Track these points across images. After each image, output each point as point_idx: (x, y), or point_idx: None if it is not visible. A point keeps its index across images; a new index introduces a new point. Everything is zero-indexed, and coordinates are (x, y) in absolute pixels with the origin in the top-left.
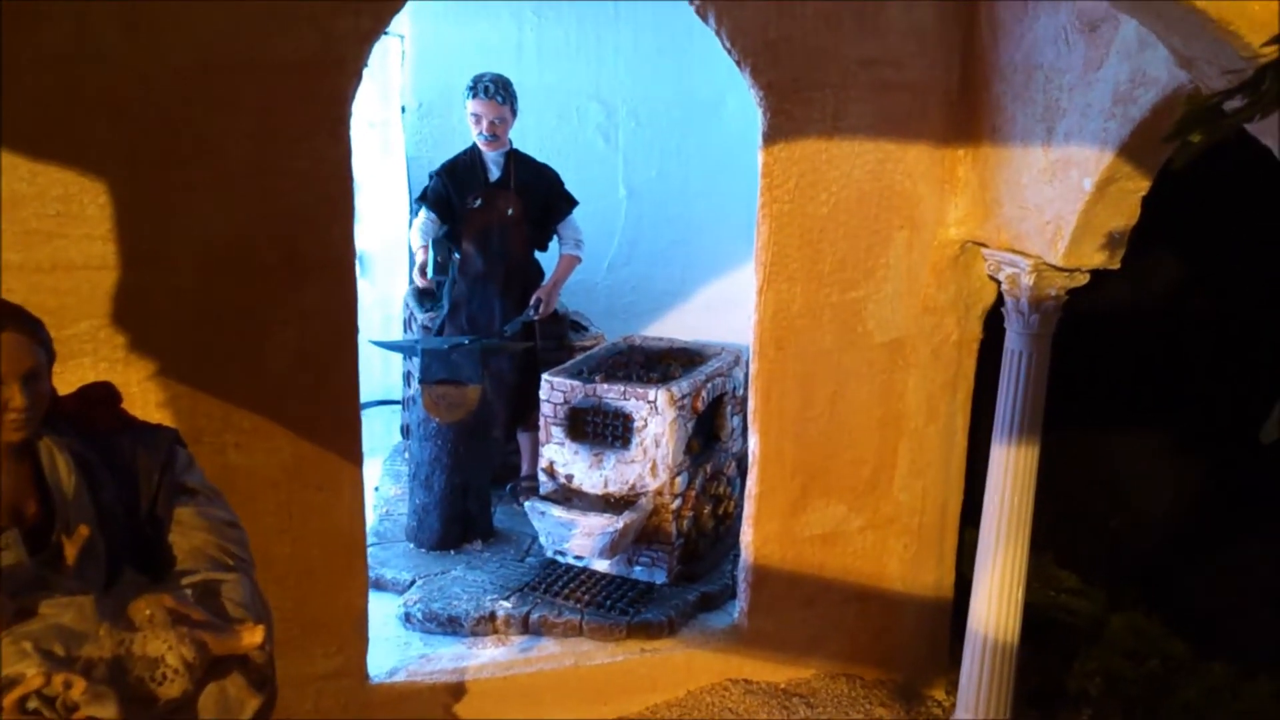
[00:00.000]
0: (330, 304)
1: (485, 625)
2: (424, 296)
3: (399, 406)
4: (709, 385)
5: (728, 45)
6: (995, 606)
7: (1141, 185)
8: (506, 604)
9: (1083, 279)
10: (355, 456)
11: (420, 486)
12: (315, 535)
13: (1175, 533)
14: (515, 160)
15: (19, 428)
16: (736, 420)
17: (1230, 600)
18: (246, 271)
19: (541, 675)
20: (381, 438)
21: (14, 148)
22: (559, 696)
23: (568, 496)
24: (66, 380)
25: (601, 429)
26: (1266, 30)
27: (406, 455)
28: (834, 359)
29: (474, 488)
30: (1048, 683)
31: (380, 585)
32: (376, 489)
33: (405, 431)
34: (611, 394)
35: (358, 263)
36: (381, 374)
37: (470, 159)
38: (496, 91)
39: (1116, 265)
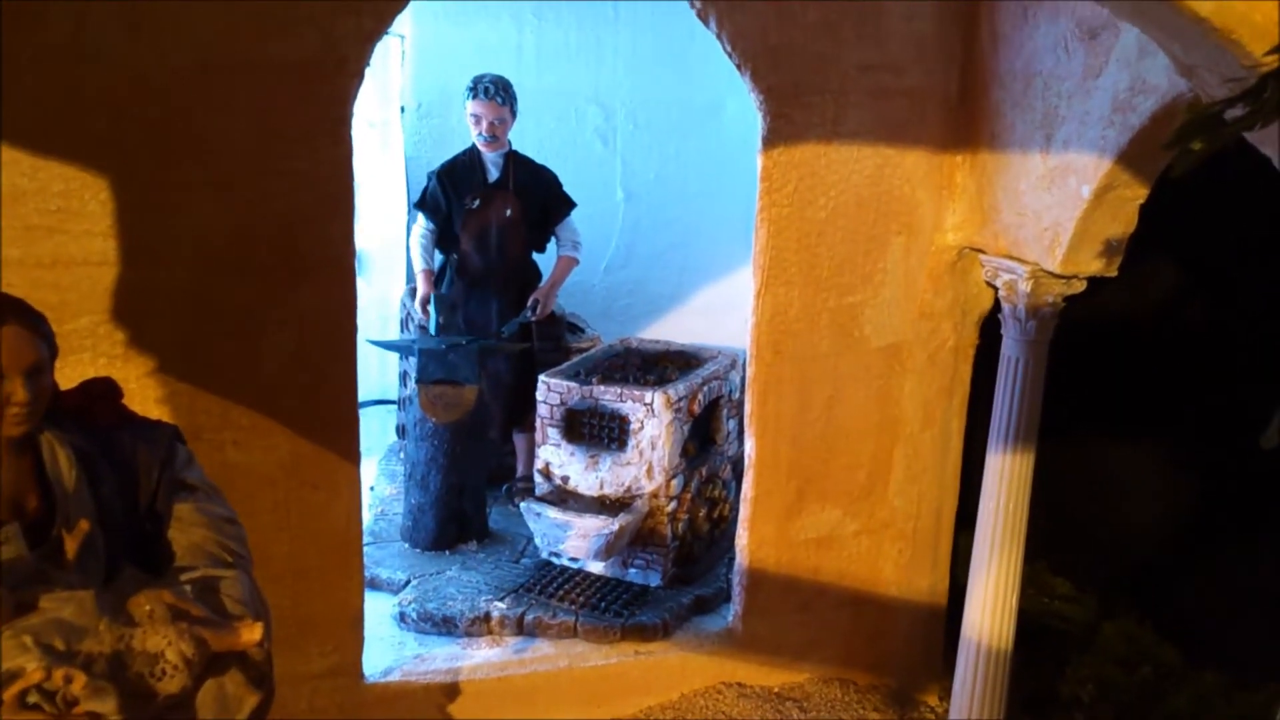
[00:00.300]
0: (329, 303)
1: (480, 626)
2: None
3: (395, 406)
4: (705, 388)
5: (729, 49)
6: (989, 612)
7: (1140, 193)
8: (501, 605)
9: (1080, 286)
10: (353, 456)
11: (416, 486)
12: (312, 534)
13: (1168, 541)
14: (514, 161)
15: (21, 422)
16: (732, 423)
17: (1222, 609)
18: (246, 270)
19: (536, 676)
20: (377, 437)
21: (16, 143)
22: (553, 698)
23: (563, 498)
24: (66, 375)
25: (598, 431)
26: (1268, 39)
27: (402, 455)
28: (831, 363)
29: (470, 488)
30: (1041, 689)
31: (375, 585)
32: (372, 488)
33: (401, 431)
34: (608, 396)
35: (356, 262)
36: (378, 373)
37: (469, 160)
38: (497, 93)
39: (1114, 273)
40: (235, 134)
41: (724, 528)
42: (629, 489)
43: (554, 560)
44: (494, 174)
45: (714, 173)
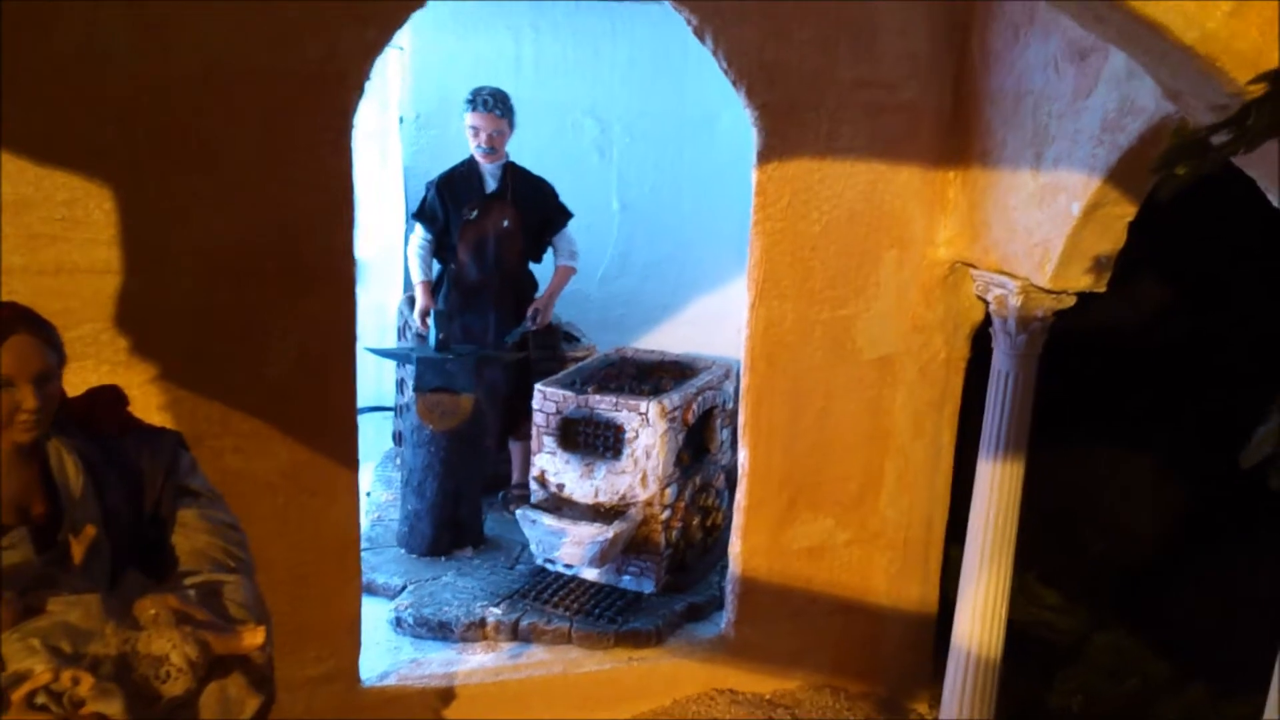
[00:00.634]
0: (330, 313)
1: (475, 631)
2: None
3: (391, 413)
4: (700, 398)
5: (724, 66)
6: (979, 622)
7: (1128, 211)
8: (496, 610)
9: (1070, 301)
10: (351, 462)
11: (413, 493)
12: (310, 539)
13: (1157, 553)
14: (512, 173)
15: (29, 428)
16: (726, 433)
17: (1210, 621)
18: (248, 279)
19: (530, 682)
20: (373, 444)
21: (21, 152)
22: (547, 703)
23: (558, 505)
24: (69, 382)
25: (593, 439)
26: (1252, 67)
27: (398, 461)
28: (823, 375)
29: (466, 495)
30: (1029, 699)
31: (371, 590)
32: (368, 494)
33: (397, 438)
34: (603, 405)
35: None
36: (374, 380)
37: (467, 171)
38: (495, 105)
39: (1103, 288)
40: (238, 144)
41: (717, 536)
42: (623, 497)
43: (549, 567)
44: (491, 185)
45: (709, 184)
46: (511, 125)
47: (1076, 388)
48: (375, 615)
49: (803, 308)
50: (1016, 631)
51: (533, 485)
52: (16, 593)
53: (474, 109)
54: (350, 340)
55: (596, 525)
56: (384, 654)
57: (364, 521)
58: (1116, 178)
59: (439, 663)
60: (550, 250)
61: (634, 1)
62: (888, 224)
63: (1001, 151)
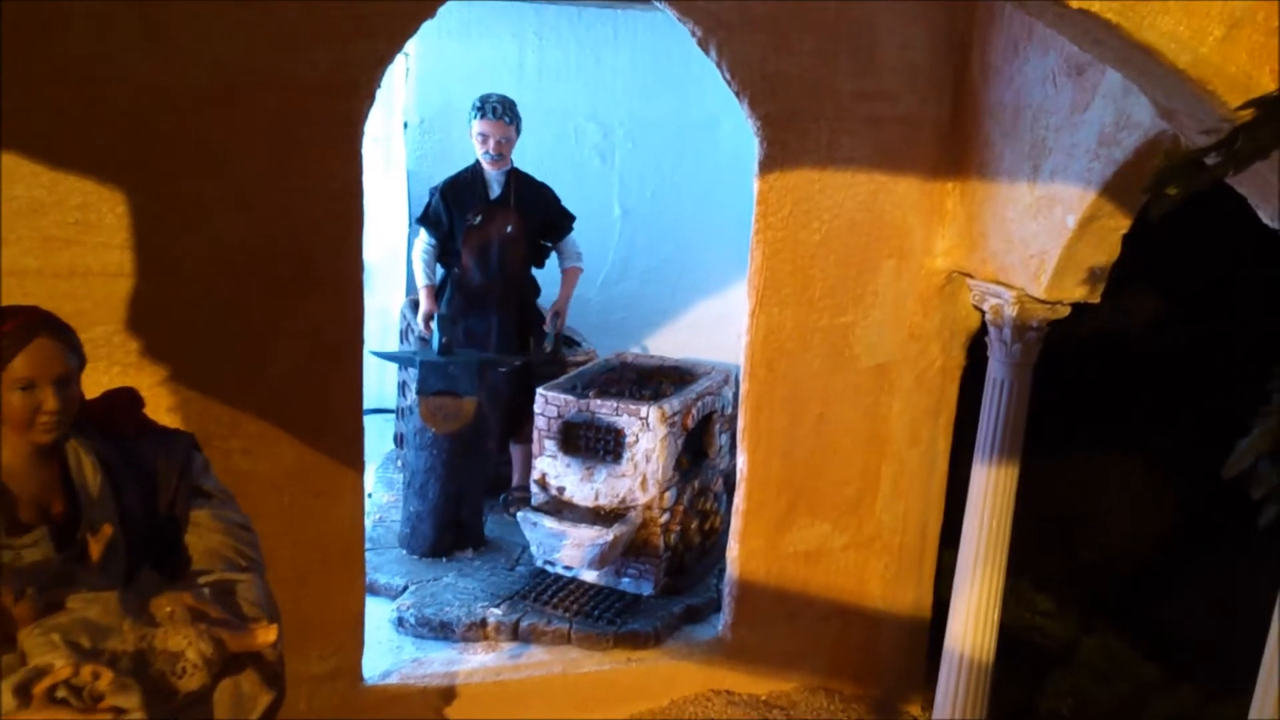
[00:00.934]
0: (337, 317)
1: (476, 631)
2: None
3: (393, 415)
4: (699, 403)
5: (727, 77)
6: (972, 626)
7: (1123, 223)
8: (497, 611)
9: (1064, 311)
10: (356, 464)
11: (415, 495)
12: (315, 539)
13: (1147, 559)
14: (515, 179)
15: (50, 429)
16: (725, 438)
17: (1199, 625)
18: (257, 283)
19: (530, 681)
20: (375, 445)
21: (36, 157)
22: (547, 703)
23: (559, 508)
24: (81, 383)
25: (594, 443)
26: (1242, 90)
27: (400, 463)
28: (822, 382)
29: (467, 497)
30: (1021, 702)
31: (374, 590)
32: (370, 495)
33: (399, 440)
34: (604, 409)
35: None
36: (376, 383)
37: (471, 176)
38: (504, 112)
39: (1097, 299)
40: (250, 151)
41: (715, 539)
42: (623, 500)
43: (549, 569)
44: (496, 191)
45: (709, 190)
46: (518, 131)
47: (1071, 395)
48: (377, 615)
49: (802, 315)
50: (1009, 635)
51: (533, 488)
52: (37, 589)
53: (483, 116)
54: (357, 344)
55: (596, 528)
56: (386, 653)
57: (366, 523)
58: (1111, 191)
59: (440, 662)
60: (555, 255)
61: (636, 9)
62: (887, 234)
63: (999, 164)
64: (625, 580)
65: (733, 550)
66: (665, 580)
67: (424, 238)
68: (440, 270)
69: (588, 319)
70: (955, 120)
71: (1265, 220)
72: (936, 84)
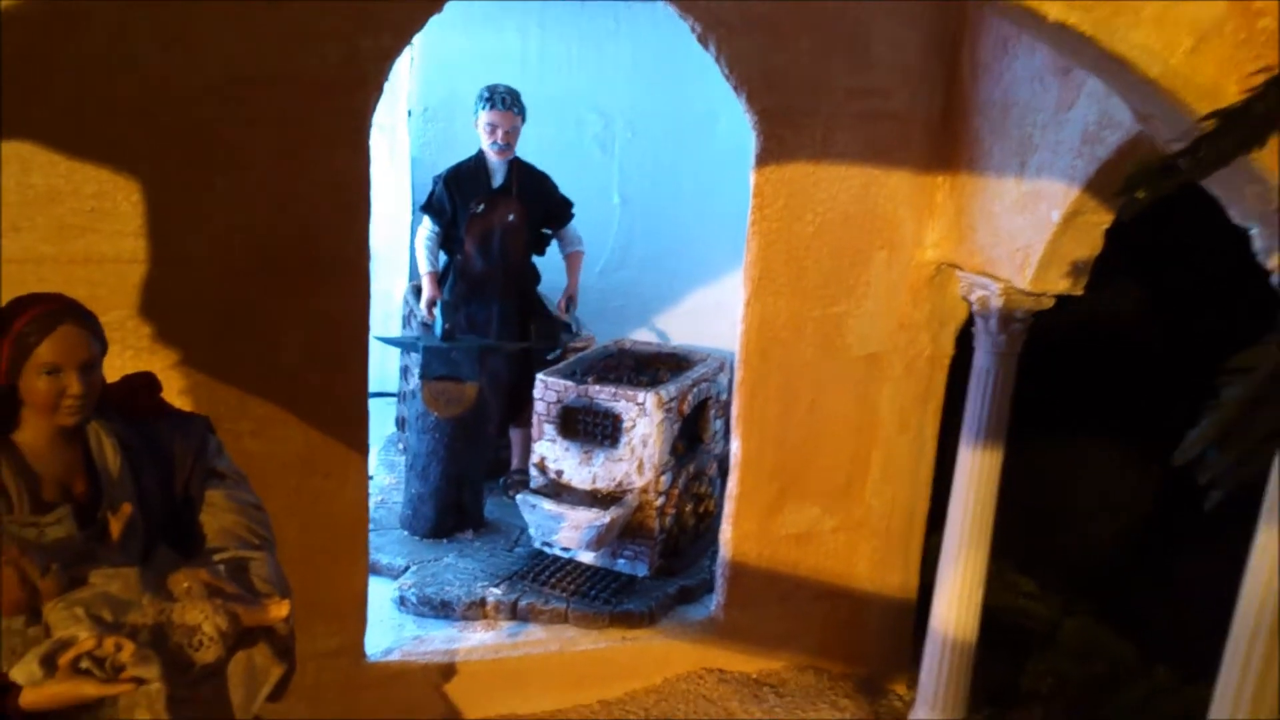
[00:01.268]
0: (344, 304)
1: (476, 610)
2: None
3: (394, 399)
4: (695, 389)
5: (726, 72)
6: (956, 607)
7: (1105, 219)
8: (496, 591)
9: (1049, 303)
10: (361, 447)
11: (417, 477)
12: (321, 520)
13: (1128, 543)
14: (518, 168)
15: (74, 412)
16: (719, 423)
17: (1176, 608)
18: (266, 271)
19: (528, 659)
20: (377, 428)
21: (53, 146)
22: (544, 680)
23: (557, 491)
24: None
25: (592, 428)
26: (1210, 99)
27: (401, 446)
28: (814, 370)
29: (468, 480)
30: (1003, 681)
31: (376, 570)
32: (371, 478)
33: (400, 423)
34: (602, 395)
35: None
36: (379, 367)
37: (475, 166)
38: (513, 103)
39: (1080, 291)
40: (260, 143)
41: (709, 522)
42: (620, 484)
43: (547, 550)
44: (498, 180)
45: (708, 180)
46: (523, 121)
47: (1055, 384)
48: (380, 594)
49: (796, 305)
50: (992, 617)
51: (532, 471)
52: (61, 565)
53: (492, 107)
54: (363, 331)
55: (594, 511)
56: (388, 631)
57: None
58: (1095, 187)
59: (441, 640)
60: (555, 242)
61: (639, 1)
62: (879, 226)
63: (988, 159)
64: (621, 561)
65: (726, 533)
66: (660, 561)
67: (427, 225)
68: (443, 257)
69: (586, 305)
70: (946, 116)
71: (1234, 219)
72: (928, 81)
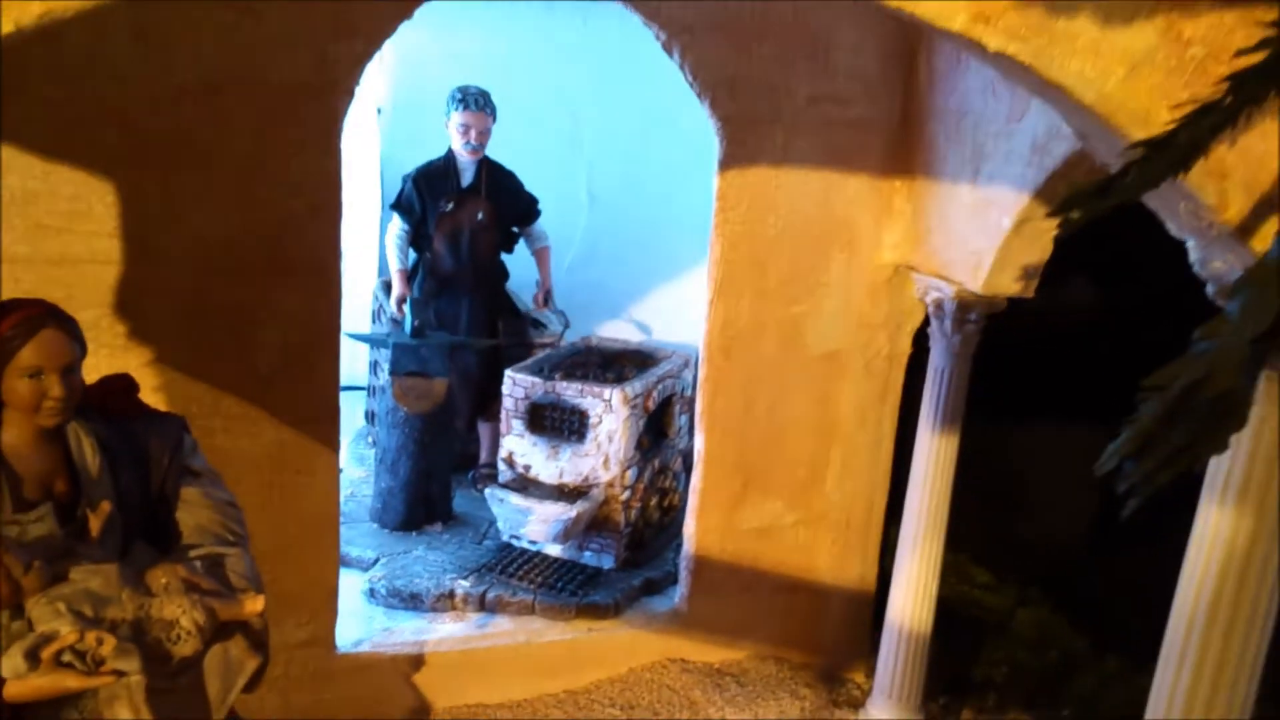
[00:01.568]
0: (315, 303)
1: (444, 602)
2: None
3: (364, 392)
4: (660, 386)
5: (690, 79)
6: (911, 599)
7: (1053, 225)
8: (465, 583)
9: (1001, 305)
10: (333, 443)
11: (386, 471)
12: (292, 515)
13: (1080, 536)
14: (487, 168)
15: (55, 414)
16: (684, 419)
17: (1126, 599)
18: (239, 271)
19: (495, 650)
20: (346, 422)
21: (30, 149)
22: (511, 670)
23: (525, 485)
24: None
25: (559, 423)
26: (1142, 123)
27: (371, 440)
28: (776, 368)
29: (437, 473)
30: (958, 670)
31: (346, 562)
32: (341, 471)
33: (370, 417)
34: (570, 391)
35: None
36: (348, 361)
37: (444, 165)
38: (485, 104)
39: (1030, 294)
40: (234, 146)
41: (673, 515)
42: (586, 478)
43: (515, 543)
44: (468, 179)
45: (675, 178)
46: (494, 121)
47: (1010, 379)
48: (350, 586)
49: (758, 305)
50: (949, 607)
51: (501, 466)
52: (44, 562)
53: (465, 108)
54: (334, 330)
55: (561, 504)
56: (358, 622)
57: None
58: (1044, 195)
59: (410, 631)
60: (523, 240)
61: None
62: (838, 229)
63: (943, 165)
64: (587, 554)
65: (689, 527)
66: (625, 554)
67: (397, 223)
68: (413, 254)
69: (555, 302)
70: (904, 123)
71: (1171, 231)
72: (886, 88)
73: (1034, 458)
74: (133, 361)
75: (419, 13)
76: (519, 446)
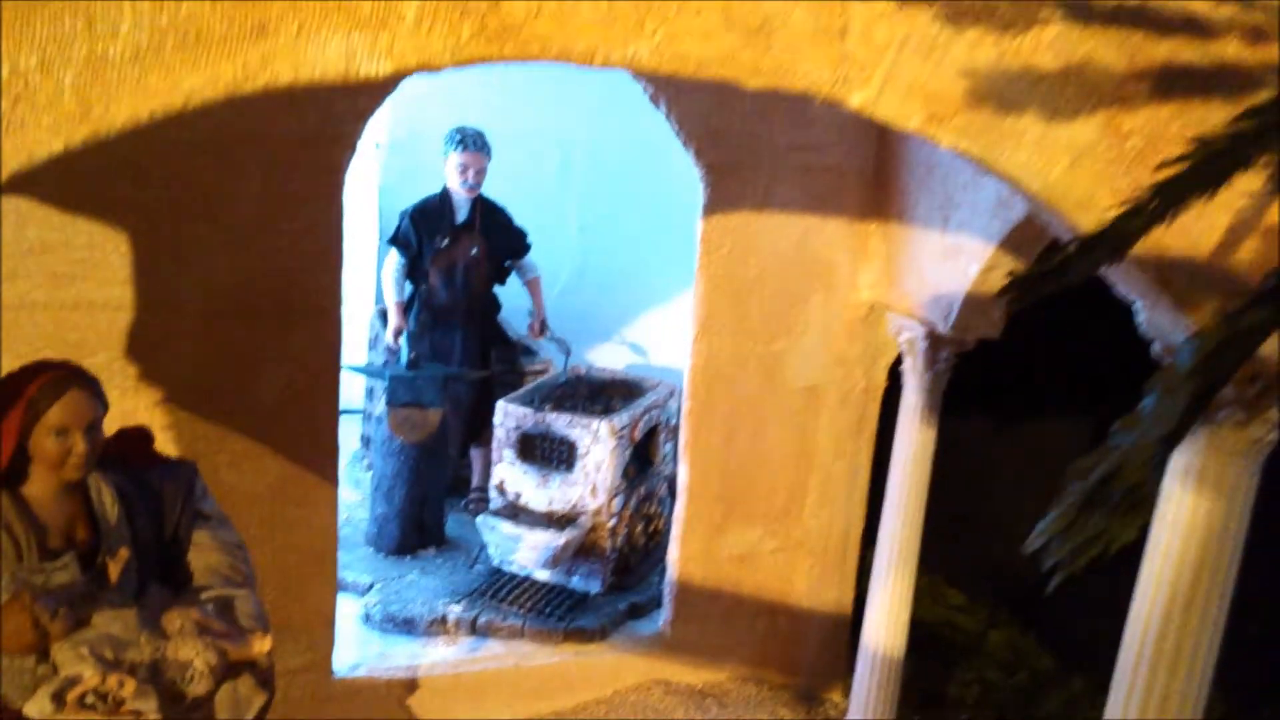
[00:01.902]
0: (316, 345)
1: (437, 626)
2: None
3: (359, 416)
4: (646, 416)
5: (676, 129)
6: (885, 622)
7: (1019, 270)
8: (457, 608)
9: (970, 344)
10: (332, 478)
11: (382, 498)
12: (292, 546)
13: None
14: (481, 204)
15: (79, 469)
16: (669, 447)
17: (1093, 621)
18: (245, 316)
19: (486, 673)
20: (342, 446)
21: (47, 201)
22: (501, 693)
23: (515, 513)
24: None
25: (549, 453)
26: (1084, 209)
27: (366, 464)
28: (756, 402)
29: (430, 500)
30: (931, 690)
31: (342, 586)
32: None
33: (366, 441)
34: (559, 422)
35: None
36: (344, 386)
37: (440, 202)
38: (482, 145)
39: (997, 335)
40: (241, 198)
41: (658, 541)
42: (575, 506)
43: (505, 568)
44: (462, 215)
45: (663, 208)
46: (489, 160)
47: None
48: (346, 610)
49: (739, 342)
50: (923, 629)
51: (492, 493)
52: (68, 608)
53: (464, 149)
54: (334, 370)
55: (550, 532)
56: (354, 647)
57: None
58: (1009, 245)
59: (404, 655)
60: (515, 273)
61: None
62: (816, 270)
63: (915, 212)
64: (575, 579)
65: (673, 553)
66: (612, 579)
67: (394, 257)
68: (409, 287)
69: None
70: (878, 170)
71: (1119, 294)
72: (861, 137)
73: (1008, 479)
74: (143, 402)
75: None
76: (510, 475)
